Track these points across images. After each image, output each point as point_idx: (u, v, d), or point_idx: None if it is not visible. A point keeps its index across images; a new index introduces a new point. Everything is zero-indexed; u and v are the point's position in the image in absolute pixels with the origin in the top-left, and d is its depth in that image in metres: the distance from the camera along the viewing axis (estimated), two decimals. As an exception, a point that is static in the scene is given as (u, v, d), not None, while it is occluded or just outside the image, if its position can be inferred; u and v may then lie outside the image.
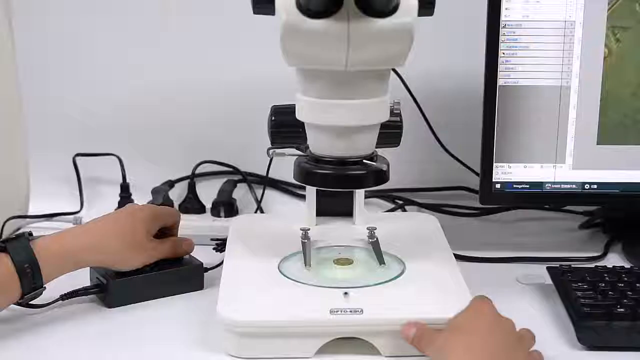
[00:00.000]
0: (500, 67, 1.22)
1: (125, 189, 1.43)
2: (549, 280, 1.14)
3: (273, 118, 1.16)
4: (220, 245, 1.27)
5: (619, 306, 1.04)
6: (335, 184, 1.05)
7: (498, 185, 1.26)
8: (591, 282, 1.10)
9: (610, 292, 1.07)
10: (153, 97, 1.47)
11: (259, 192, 1.43)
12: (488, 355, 0.89)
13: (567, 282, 1.11)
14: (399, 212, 1.44)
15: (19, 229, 1.39)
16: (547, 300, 1.13)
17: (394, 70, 1.21)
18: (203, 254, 1.20)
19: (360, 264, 1.12)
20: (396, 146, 1.17)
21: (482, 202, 1.28)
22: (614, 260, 1.27)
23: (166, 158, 1.50)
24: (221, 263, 1.15)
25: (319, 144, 1.04)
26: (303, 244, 1.13)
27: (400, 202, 1.48)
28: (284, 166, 1.12)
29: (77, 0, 1.44)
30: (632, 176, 1.25)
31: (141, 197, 1.40)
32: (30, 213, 1.44)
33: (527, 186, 1.26)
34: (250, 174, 1.49)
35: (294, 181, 1.07)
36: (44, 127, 1.48)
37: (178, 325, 1.07)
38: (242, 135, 1.47)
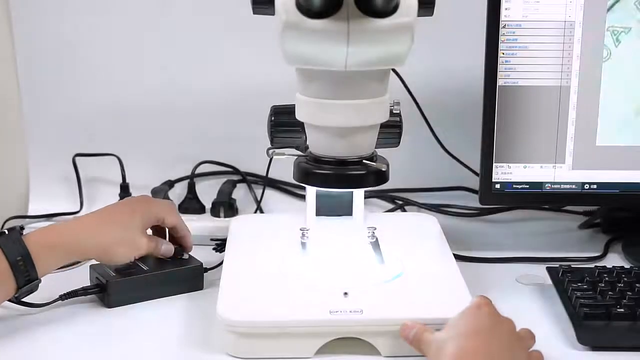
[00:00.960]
0: (500, 67, 1.22)
1: (125, 189, 1.43)
2: (548, 280, 1.14)
3: (273, 118, 1.16)
4: (220, 245, 1.27)
5: (618, 306, 1.04)
6: (335, 184, 1.05)
7: (498, 186, 1.26)
8: (591, 282, 1.10)
9: (610, 292, 1.07)
10: (153, 97, 1.47)
11: (258, 192, 1.43)
12: (488, 356, 0.89)
13: (566, 282, 1.11)
14: (399, 212, 1.44)
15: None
16: (547, 300, 1.13)
17: (394, 70, 1.21)
18: (203, 254, 1.20)
19: (360, 264, 1.11)
20: (396, 146, 1.17)
21: (482, 202, 1.28)
22: (614, 260, 1.27)
23: (166, 158, 1.50)
24: (221, 263, 1.15)
25: (318, 144, 1.04)
26: (303, 244, 1.13)
27: (400, 202, 1.48)
28: (284, 166, 1.12)
29: (77, 1, 1.44)
30: (632, 176, 1.25)
31: (141, 197, 1.40)
32: (30, 213, 1.44)
33: (527, 186, 1.26)
34: (250, 174, 1.49)
35: (293, 181, 1.07)
36: (44, 127, 1.48)
37: (178, 325, 1.07)
38: (242, 136, 1.47)
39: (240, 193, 1.47)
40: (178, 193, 1.46)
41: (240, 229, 1.23)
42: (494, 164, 1.25)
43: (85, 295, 1.12)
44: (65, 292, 1.11)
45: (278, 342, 0.98)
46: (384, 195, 1.48)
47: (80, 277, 1.14)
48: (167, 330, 1.05)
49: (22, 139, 1.48)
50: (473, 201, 1.38)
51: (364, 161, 1.03)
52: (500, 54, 1.21)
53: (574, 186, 1.26)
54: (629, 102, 1.23)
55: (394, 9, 0.92)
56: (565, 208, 1.44)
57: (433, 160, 1.46)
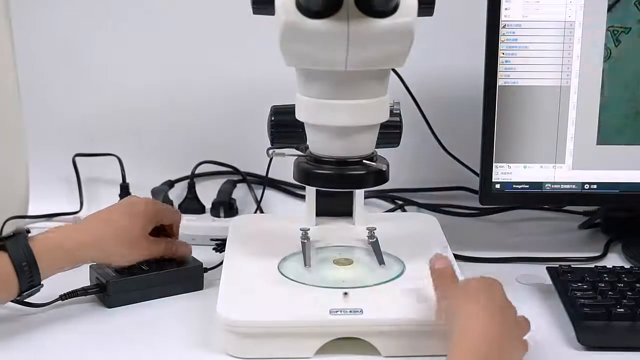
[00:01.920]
0: (500, 67, 1.22)
1: (125, 189, 1.43)
2: (548, 280, 1.14)
3: (273, 118, 1.16)
4: (220, 245, 1.27)
5: (618, 306, 1.04)
6: (335, 184, 1.05)
7: (498, 186, 1.26)
8: (591, 282, 1.10)
9: (610, 292, 1.07)
10: (153, 97, 1.47)
11: (258, 192, 1.43)
12: (490, 337, 0.87)
13: (566, 282, 1.11)
14: (398, 212, 1.44)
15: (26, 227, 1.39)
16: (547, 300, 1.13)
17: (394, 70, 1.21)
18: (203, 254, 1.20)
19: (360, 264, 1.12)
20: (396, 146, 1.17)
21: (482, 202, 1.28)
22: (614, 260, 1.27)
23: (166, 158, 1.50)
24: (221, 263, 1.15)
25: (318, 144, 1.04)
26: (303, 244, 1.13)
27: (400, 202, 1.48)
28: (284, 166, 1.12)
29: (77, 1, 1.44)
30: (632, 176, 1.25)
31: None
32: (30, 213, 1.44)
33: (527, 186, 1.26)
34: (250, 174, 1.49)
35: (293, 181, 1.07)
36: (44, 127, 1.48)
37: (178, 325, 1.07)
38: (242, 135, 1.47)
39: (240, 193, 1.47)
40: (178, 193, 1.46)
41: (240, 229, 1.23)
42: (494, 164, 1.25)
43: (85, 295, 1.12)
44: (65, 292, 1.11)
45: (278, 342, 0.98)
46: (384, 195, 1.48)
47: (81, 277, 1.14)
48: (167, 330, 1.05)
49: (22, 139, 1.48)
50: (473, 201, 1.38)
51: (364, 161, 1.03)
52: (500, 54, 1.21)
53: (574, 186, 1.26)
54: (629, 102, 1.23)
55: (394, 9, 0.92)
56: (565, 208, 1.44)
57: (433, 160, 1.46)
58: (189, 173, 1.44)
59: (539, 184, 1.26)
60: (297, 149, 1.09)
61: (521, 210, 1.44)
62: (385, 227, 1.19)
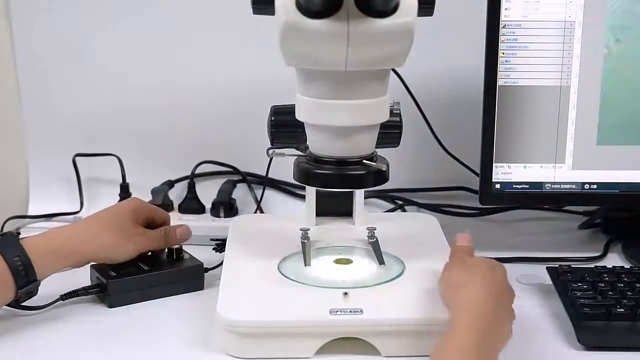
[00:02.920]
0: (500, 67, 1.22)
1: (125, 189, 1.43)
2: (548, 280, 1.14)
3: (273, 118, 1.16)
4: (220, 245, 1.27)
5: (618, 306, 1.04)
6: (335, 184, 1.05)
7: (498, 186, 1.26)
8: (591, 282, 1.10)
9: (610, 292, 1.07)
10: (153, 97, 1.47)
11: (258, 192, 1.43)
12: (486, 314, 0.90)
13: (566, 282, 1.11)
14: (399, 212, 1.44)
15: (19, 229, 1.39)
16: (547, 300, 1.13)
17: (394, 70, 1.21)
18: (203, 254, 1.20)
19: (360, 264, 1.12)
20: (396, 146, 1.17)
21: (482, 202, 1.28)
22: (614, 260, 1.27)
23: (166, 158, 1.50)
24: (221, 263, 1.15)
25: (318, 144, 1.04)
26: (303, 244, 1.13)
27: (400, 202, 1.48)
28: (284, 166, 1.12)
29: (77, 1, 1.44)
30: (632, 176, 1.25)
31: (141, 197, 1.39)
32: (30, 213, 1.44)
33: (527, 186, 1.26)
34: (250, 174, 1.49)
35: (293, 181, 1.07)
36: (44, 127, 1.48)
37: (178, 325, 1.07)
38: (242, 135, 1.47)
39: (240, 193, 1.47)
40: (178, 193, 1.46)
41: (240, 229, 1.23)
42: (494, 164, 1.25)
43: (85, 295, 1.12)
44: (65, 292, 1.11)
45: (278, 342, 0.98)
46: (384, 195, 1.48)
47: (81, 277, 1.14)
48: (167, 330, 1.05)
49: (22, 139, 1.48)
50: (473, 201, 1.38)
51: (364, 161, 1.03)
52: (500, 54, 1.21)
53: (574, 186, 1.26)
54: (629, 102, 1.23)
55: (394, 9, 0.92)
56: (565, 208, 1.44)
57: (433, 160, 1.46)
58: (189, 173, 1.44)
59: (539, 184, 1.26)
60: (297, 149, 1.09)
61: (521, 210, 1.44)
62: (385, 227, 1.19)
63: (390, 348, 0.99)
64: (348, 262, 1.12)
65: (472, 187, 1.42)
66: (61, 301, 1.10)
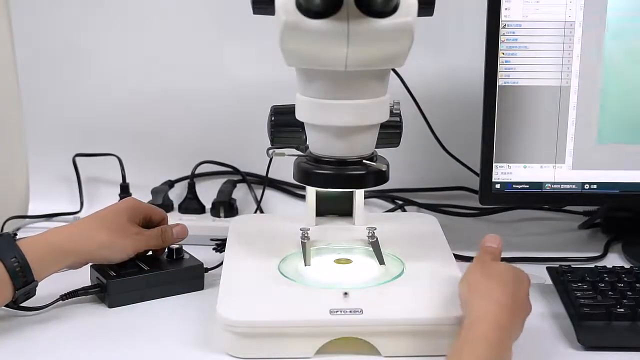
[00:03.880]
0: (500, 67, 1.22)
1: (125, 189, 1.43)
2: (549, 280, 1.15)
3: (273, 118, 1.16)
4: (220, 245, 1.27)
5: (618, 306, 1.04)
6: (335, 184, 1.05)
7: (498, 185, 1.26)
8: (591, 282, 1.10)
9: (610, 292, 1.07)
10: (153, 97, 1.47)
11: (258, 192, 1.43)
12: (501, 327, 0.91)
13: (567, 282, 1.11)
14: (399, 212, 1.44)
15: (18, 229, 1.39)
16: (547, 300, 1.13)
17: (393, 70, 1.21)
18: (203, 254, 1.20)
19: (360, 264, 1.12)
20: (396, 146, 1.17)
21: (482, 202, 1.28)
22: (614, 260, 1.27)
23: (166, 158, 1.50)
24: (221, 263, 1.15)
25: (318, 144, 1.04)
26: (303, 244, 1.13)
27: (400, 202, 1.48)
28: (284, 166, 1.12)
29: (77, 1, 1.44)
30: (632, 176, 1.25)
31: (141, 197, 1.39)
32: (30, 213, 1.44)
33: (527, 186, 1.26)
34: (250, 174, 1.49)
35: (293, 181, 1.07)
36: (44, 127, 1.48)
37: (178, 325, 1.07)
38: (242, 135, 1.47)
39: (240, 193, 1.47)
40: (178, 193, 1.46)
41: (240, 229, 1.23)
42: (494, 164, 1.25)
43: (85, 295, 1.12)
44: (65, 292, 1.11)
45: (278, 342, 0.98)
46: (384, 195, 1.48)
47: (81, 277, 1.14)
48: (167, 330, 1.05)
49: (22, 139, 1.48)
50: (473, 201, 1.39)
51: (364, 161, 1.03)
52: (500, 54, 1.21)
53: (574, 186, 1.26)
54: (629, 102, 1.23)
55: (394, 9, 0.92)
56: (565, 208, 1.44)
57: (433, 160, 1.46)
58: (189, 173, 1.44)
59: (539, 184, 1.26)
60: (297, 149, 1.09)
61: (521, 210, 1.44)
62: (385, 227, 1.19)
63: (390, 348, 0.99)
64: (348, 262, 1.12)
65: (472, 187, 1.42)
66: (61, 301, 1.10)
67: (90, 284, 1.14)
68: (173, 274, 1.15)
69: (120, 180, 1.43)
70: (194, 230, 1.26)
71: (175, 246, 1.18)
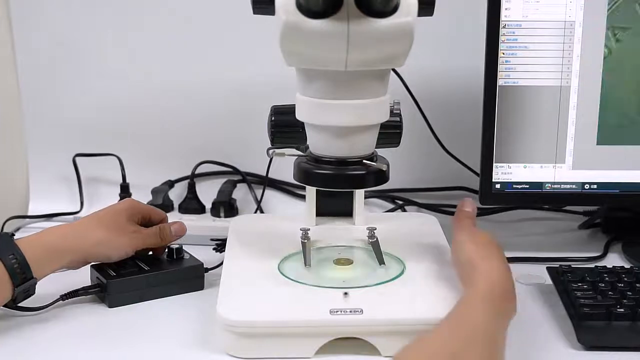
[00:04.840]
0: (500, 67, 1.22)
1: (125, 189, 1.43)
2: (549, 280, 1.15)
3: (273, 118, 1.16)
4: (220, 245, 1.27)
5: (619, 306, 1.04)
6: (335, 184, 1.05)
7: (498, 186, 1.26)
8: (591, 282, 1.10)
9: (610, 292, 1.07)
10: (153, 97, 1.47)
11: (258, 192, 1.43)
12: (504, 285, 0.95)
13: (567, 282, 1.11)
14: (399, 212, 1.44)
15: (18, 229, 1.39)
16: (547, 300, 1.13)
17: (394, 70, 1.21)
18: (203, 254, 1.20)
19: (360, 264, 1.12)
20: (396, 146, 1.17)
21: (482, 202, 1.28)
22: (614, 260, 1.27)
23: (166, 158, 1.50)
24: (221, 263, 1.15)
25: (318, 144, 1.04)
26: (303, 244, 1.13)
27: (400, 202, 1.48)
28: (284, 166, 1.12)
29: (77, 1, 1.44)
30: (632, 176, 1.25)
31: (141, 197, 1.40)
32: (30, 213, 1.45)
33: (527, 186, 1.26)
34: (250, 174, 1.49)
35: (294, 181, 1.07)
36: (44, 127, 1.48)
37: (178, 325, 1.07)
38: (242, 136, 1.47)
39: (240, 193, 1.47)
40: (178, 193, 1.46)
41: (240, 229, 1.23)
42: (494, 164, 1.25)
43: (85, 295, 1.12)
44: (65, 292, 1.11)
45: (278, 342, 0.98)
46: (384, 195, 1.48)
47: (81, 277, 1.14)
48: (167, 330, 1.05)
49: (22, 139, 1.48)
50: (473, 201, 1.38)
51: (364, 161, 1.03)
52: (500, 54, 1.21)
53: (574, 186, 1.26)
54: (629, 102, 1.23)
55: (394, 9, 0.92)
56: (565, 208, 1.44)
57: (433, 160, 1.46)
58: (189, 173, 1.44)
59: (539, 184, 1.26)
60: (297, 149, 1.09)
61: (521, 210, 1.44)
62: (385, 227, 1.19)
63: (390, 348, 0.98)
64: (348, 262, 1.12)
65: (472, 187, 1.42)
66: (61, 301, 1.10)
67: (90, 284, 1.14)
68: (173, 274, 1.15)
69: (120, 180, 1.43)
70: (194, 230, 1.26)
71: (175, 246, 1.18)
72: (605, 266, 1.15)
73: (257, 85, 1.45)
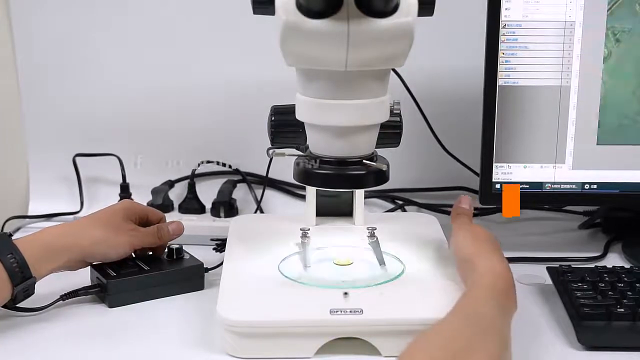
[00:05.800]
0: (500, 67, 1.22)
1: (125, 189, 1.43)
2: (549, 280, 1.15)
3: (273, 118, 1.16)
4: (220, 245, 1.27)
5: (619, 306, 1.04)
6: (335, 184, 1.05)
7: (498, 186, 1.26)
8: (591, 282, 1.10)
9: (610, 292, 1.07)
10: (153, 97, 1.47)
11: (258, 192, 1.43)
12: (507, 280, 0.97)
13: (567, 282, 1.11)
14: (398, 212, 1.44)
15: (18, 229, 1.39)
16: (547, 300, 1.13)
17: (394, 70, 1.21)
18: (203, 254, 1.20)
19: (360, 264, 1.12)
20: (396, 146, 1.17)
21: (482, 202, 1.28)
22: (614, 260, 1.27)
23: (166, 158, 1.50)
24: (221, 263, 1.15)
25: (318, 144, 1.04)
26: (303, 244, 1.13)
27: (400, 202, 1.48)
28: (284, 166, 1.12)
29: (77, 1, 1.44)
30: (632, 176, 1.25)
31: (141, 197, 1.40)
32: (30, 213, 1.45)
33: (527, 186, 1.26)
34: (250, 174, 1.49)
35: (294, 181, 1.07)
36: (44, 127, 1.48)
37: (178, 325, 1.07)
38: (242, 135, 1.47)
39: (240, 193, 1.47)
40: (178, 193, 1.46)
41: (240, 229, 1.23)
42: (494, 164, 1.25)
43: (85, 295, 1.12)
44: (65, 292, 1.11)
45: (278, 342, 0.98)
46: (384, 195, 1.48)
47: (81, 277, 1.14)
48: (167, 330, 1.05)
49: (22, 139, 1.48)
50: (473, 201, 1.38)
51: (364, 161, 1.03)
52: (500, 54, 1.21)
53: (574, 186, 1.26)
54: (629, 102, 1.23)
55: (394, 9, 0.92)
56: (565, 208, 1.44)
57: (433, 160, 1.46)
58: (189, 173, 1.44)
59: (539, 184, 1.26)
60: (297, 149, 1.09)
61: (521, 210, 1.43)
62: (385, 227, 1.19)
63: (390, 348, 0.99)
64: (348, 262, 1.12)
65: (472, 187, 1.42)
66: (61, 301, 1.10)
67: (90, 284, 1.14)
68: (173, 274, 1.15)
69: (120, 180, 1.43)
70: (194, 230, 1.26)
71: (175, 246, 1.18)
72: (605, 266, 1.15)
73: (257, 85, 1.45)
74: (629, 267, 1.15)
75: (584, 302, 1.05)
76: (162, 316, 1.09)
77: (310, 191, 1.22)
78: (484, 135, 1.24)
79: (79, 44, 1.46)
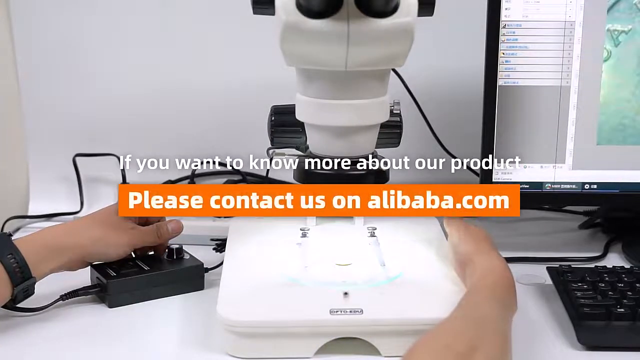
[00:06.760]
0: (500, 67, 1.22)
1: (125, 189, 1.42)
2: (549, 280, 1.15)
3: (273, 118, 1.16)
4: (220, 245, 1.27)
5: (618, 306, 1.04)
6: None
7: (498, 185, 1.26)
8: (591, 282, 1.10)
9: (610, 292, 1.07)
10: (153, 97, 1.47)
11: (259, 192, 1.43)
12: (506, 279, 0.99)
13: (567, 282, 1.11)
14: (399, 212, 1.44)
15: (18, 229, 1.39)
16: (547, 300, 1.13)
17: (394, 70, 1.21)
18: (203, 254, 1.20)
19: (360, 264, 1.12)
20: (396, 146, 1.17)
21: (482, 202, 1.28)
22: (614, 260, 1.27)
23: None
24: (221, 263, 1.15)
25: (318, 144, 1.04)
26: (303, 244, 1.13)
27: (400, 202, 1.48)
28: (284, 166, 1.12)
29: (77, 1, 1.44)
30: (632, 176, 1.25)
31: (141, 197, 1.40)
32: (30, 213, 1.45)
33: (527, 186, 1.26)
34: (250, 174, 1.49)
35: (294, 181, 1.07)
36: (44, 127, 1.48)
37: (178, 325, 1.07)
38: (242, 135, 1.47)
39: (240, 193, 1.47)
40: (178, 193, 1.45)
41: (240, 229, 1.23)
42: (494, 164, 1.25)
43: (85, 295, 1.12)
44: (65, 292, 1.11)
45: (278, 342, 0.98)
46: (384, 195, 1.48)
47: (81, 277, 1.14)
48: (167, 330, 1.05)
49: (22, 139, 1.48)
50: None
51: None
52: (500, 54, 1.21)
53: (574, 186, 1.26)
54: (629, 103, 1.23)
55: (394, 9, 0.92)
56: (565, 208, 1.44)
57: (433, 160, 1.45)
58: (189, 173, 1.44)
59: (539, 184, 1.26)
60: (297, 149, 1.09)
61: (521, 210, 1.43)
62: (385, 227, 1.19)
63: (390, 348, 0.99)
64: (348, 262, 1.12)
65: (472, 187, 1.42)
66: (61, 301, 1.10)
67: (90, 284, 1.14)
68: (173, 274, 1.15)
69: (120, 180, 1.43)
70: (194, 230, 1.26)
71: (175, 246, 1.18)
72: (605, 266, 1.15)
73: (257, 85, 1.45)
74: (629, 267, 1.15)
75: (584, 302, 1.05)
76: (162, 316, 1.09)
77: (310, 191, 1.22)
78: (484, 136, 1.24)
79: (79, 44, 1.46)
